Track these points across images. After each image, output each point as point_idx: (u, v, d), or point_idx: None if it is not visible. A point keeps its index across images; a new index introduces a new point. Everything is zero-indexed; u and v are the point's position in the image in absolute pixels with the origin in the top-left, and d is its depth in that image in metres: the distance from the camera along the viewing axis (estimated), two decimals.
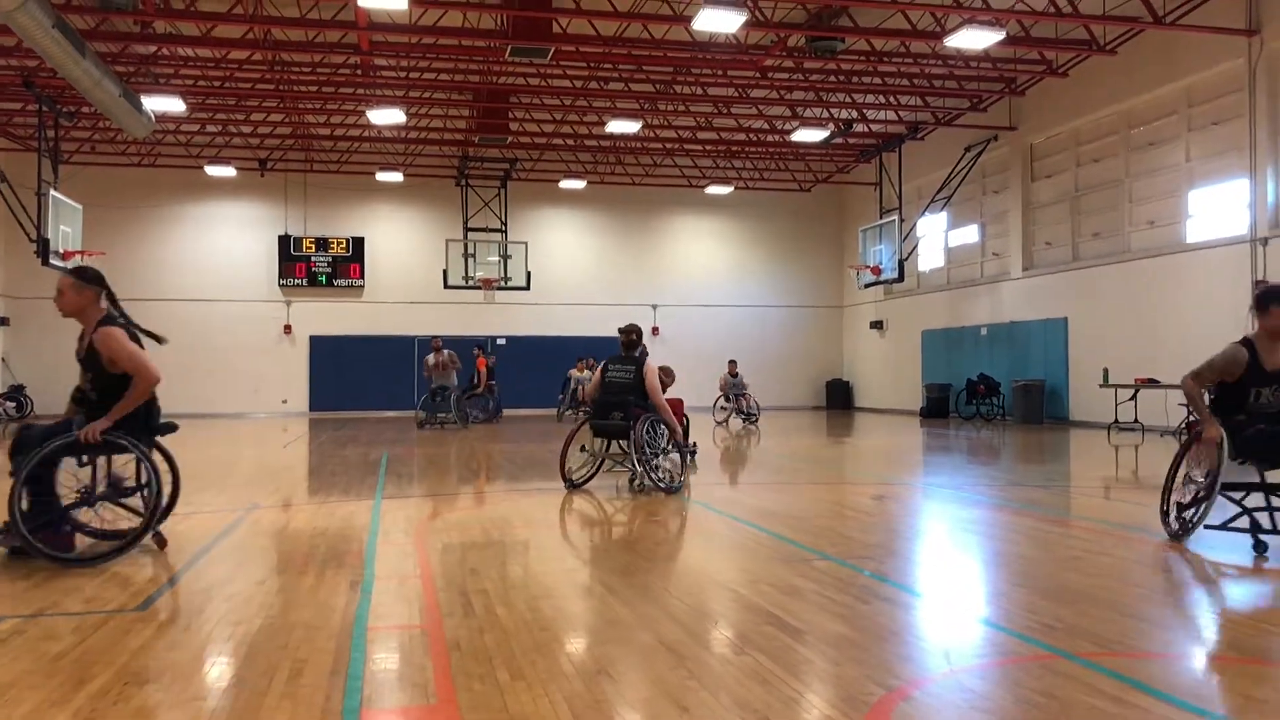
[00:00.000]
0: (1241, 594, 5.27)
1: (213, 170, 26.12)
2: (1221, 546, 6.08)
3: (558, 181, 28.27)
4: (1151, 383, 17.04)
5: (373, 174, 27.13)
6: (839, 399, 30.32)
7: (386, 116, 21.41)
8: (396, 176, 27.01)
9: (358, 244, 28.43)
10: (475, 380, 22.31)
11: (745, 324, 30.26)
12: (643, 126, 23.48)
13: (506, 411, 25.05)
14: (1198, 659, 4.08)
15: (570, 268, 29.51)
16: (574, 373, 24.41)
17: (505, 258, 26.32)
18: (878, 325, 28.97)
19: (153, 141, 24.74)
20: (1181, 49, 17.47)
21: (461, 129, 25.14)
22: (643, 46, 18.88)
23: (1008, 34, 17.44)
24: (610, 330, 30.75)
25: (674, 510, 8.47)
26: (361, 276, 28.43)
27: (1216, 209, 17.58)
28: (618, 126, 22.52)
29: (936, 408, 24.08)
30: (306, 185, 28.23)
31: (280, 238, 28.13)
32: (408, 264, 28.44)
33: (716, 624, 4.48)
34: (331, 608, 4.73)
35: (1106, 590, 5.07)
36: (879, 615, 4.60)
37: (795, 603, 4.81)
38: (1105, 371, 18.42)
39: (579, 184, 28.22)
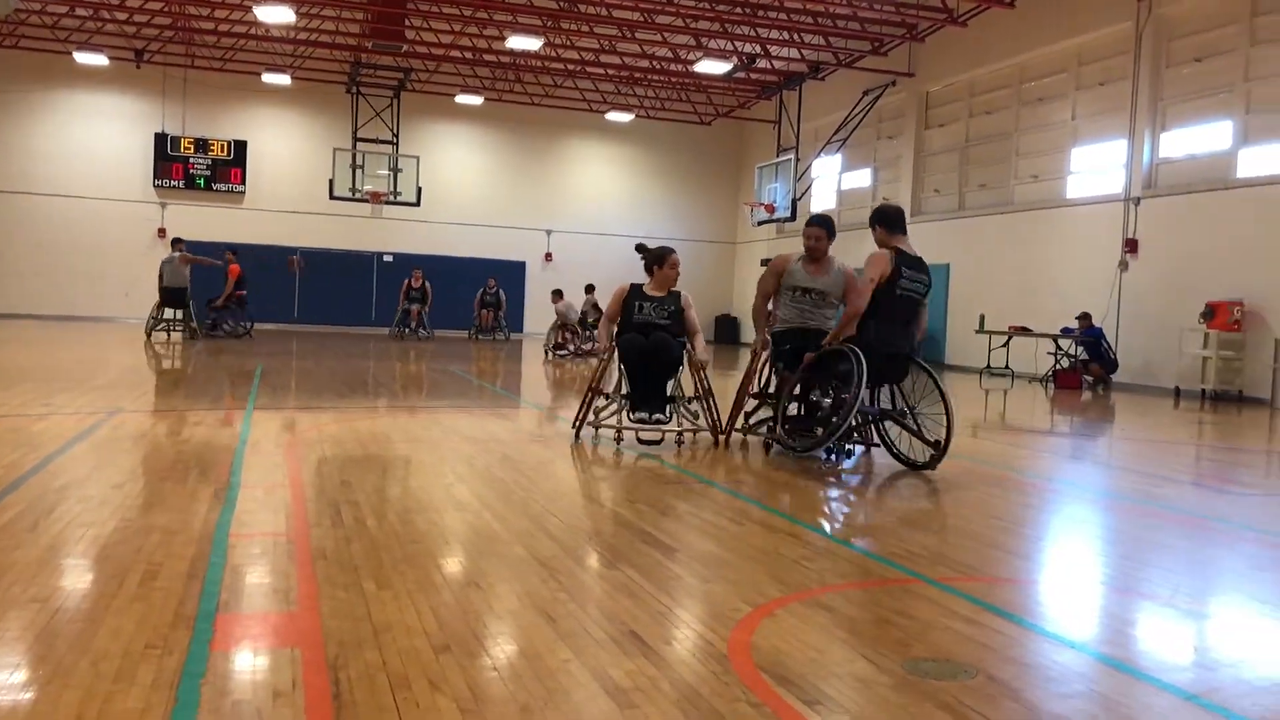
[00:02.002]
0: (1088, 528, 5.54)
1: (83, 57, 24.48)
2: (1080, 485, 6.36)
3: (454, 96, 27.48)
4: (1024, 330, 17.70)
5: (258, 75, 25.87)
6: (727, 334, 30.68)
7: (275, 14, 20.34)
8: (284, 79, 25.82)
9: (240, 148, 27.20)
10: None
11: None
12: (544, 45, 22.93)
13: (382, 330, 24.60)
14: (1047, 584, 4.27)
15: (463, 186, 28.87)
16: (560, 305, 21.69)
17: (395, 171, 25.53)
18: (769, 263, 29.26)
19: (14, 21, 23.01)
20: (1076, 7, 17.86)
21: (355, 34, 24.10)
22: None
23: None
24: (505, 251, 30.34)
25: (555, 433, 8.44)
26: (243, 182, 27.26)
27: (1096, 167, 18.20)
28: (518, 43, 21.93)
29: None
30: (186, 81, 26.75)
31: (156, 135, 26.70)
32: (292, 172, 27.37)
33: (591, 540, 4.48)
34: (192, 514, 4.55)
35: (968, 521, 5.26)
36: (752, 536, 4.67)
37: (670, 522, 4.85)
38: (981, 318, 19.04)
39: (476, 100, 27.49)
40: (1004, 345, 18.20)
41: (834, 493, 6.24)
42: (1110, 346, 16.40)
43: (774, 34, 22.56)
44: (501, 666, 2.86)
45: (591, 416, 7.60)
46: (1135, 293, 16.69)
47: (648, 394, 7.38)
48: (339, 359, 16.46)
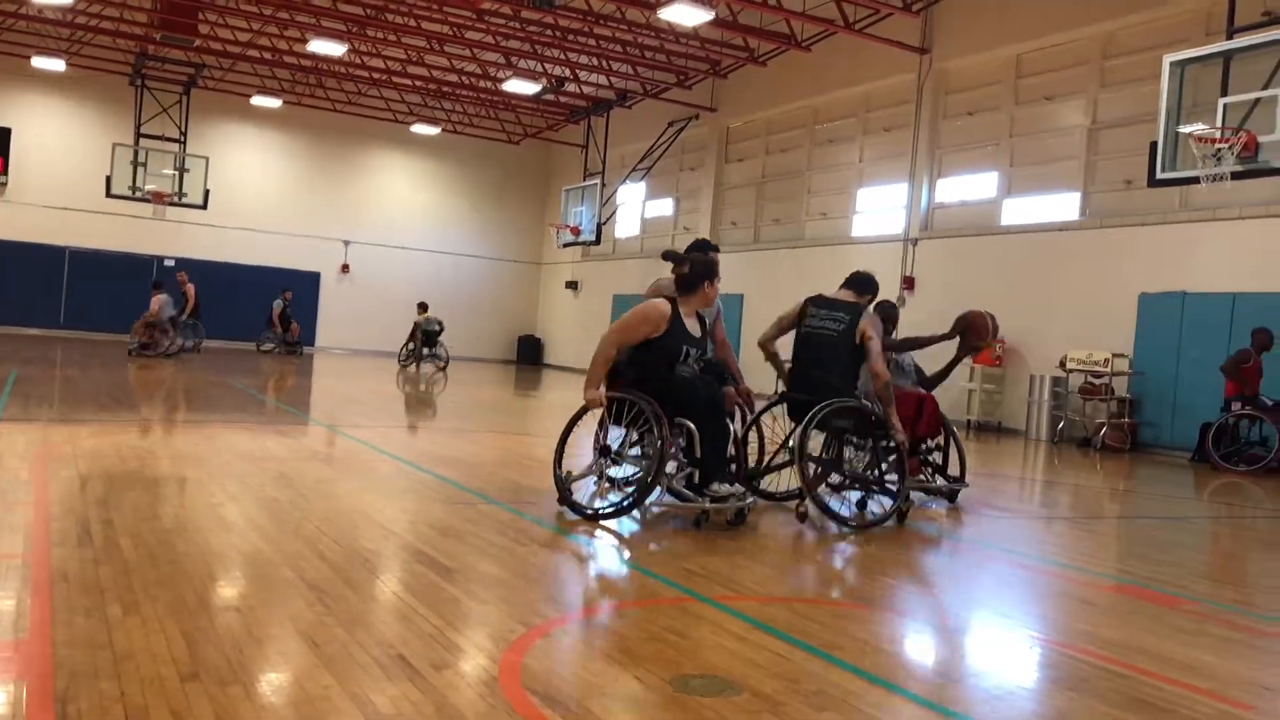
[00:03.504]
0: (854, 551, 5.82)
1: None
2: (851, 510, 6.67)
3: (250, 97, 26.24)
4: None
5: (28, 58, 23.85)
6: (529, 354, 30.60)
7: None
8: (58, 65, 23.90)
9: (3, 135, 24.95)
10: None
11: (442, 270, 29.71)
12: (349, 51, 22.28)
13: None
14: (814, 603, 4.44)
15: (257, 191, 27.57)
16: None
17: (182, 171, 24.01)
18: (573, 285, 29.45)
19: None
20: (866, 56, 18.97)
21: (142, 23, 22.63)
22: None
23: (717, 16, 18.15)
24: (298, 261, 29.13)
25: (341, 451, 8.14)
26: (5, 173, 25.00)
27: (879, 208, 19.35)
28: (321, 47, 21.19)
29: (619, 368, 24.87)
30: None
31: None
32: (64, 165, 25.34)
33: (365, 562, 4.31)
34: None
35: (748, 543, 5.41)
36: (533, 557, 4.63)
37: (451, 543, 4.74)
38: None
39: (274, 102, 26.34)
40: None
41: (625, 518, 6.28)
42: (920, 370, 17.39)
43: (583, 59, 22.81)
44: (255, 694, 2.70)
45: (590, 487, 5.92)
46: (911, 328, 17.74)
47: (726, 456, 5.71)
48: (107, 368, 15.31)
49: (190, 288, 20.98)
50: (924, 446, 7.28)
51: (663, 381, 5.60)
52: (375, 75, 25.15)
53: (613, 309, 27.04)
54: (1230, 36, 11.33)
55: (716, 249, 6.64)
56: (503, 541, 4.87)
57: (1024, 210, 16.53)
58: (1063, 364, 14.40)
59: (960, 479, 7.37)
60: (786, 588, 4.60)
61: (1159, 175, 11.49)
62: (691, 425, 5.52)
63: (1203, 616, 4.44)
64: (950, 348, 7.72)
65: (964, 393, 16.15)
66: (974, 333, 7.54)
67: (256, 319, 24.39)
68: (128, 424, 8.70)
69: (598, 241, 24.49)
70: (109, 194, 23.24)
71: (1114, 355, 13.88)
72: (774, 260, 21.38)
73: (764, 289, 21.47)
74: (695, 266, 5.86)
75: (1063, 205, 15.87)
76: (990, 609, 4.50)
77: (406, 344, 22.96)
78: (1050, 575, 5.34)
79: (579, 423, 6.03)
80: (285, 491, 5.82)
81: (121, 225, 25.54)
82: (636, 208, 26.95)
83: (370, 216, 28.95)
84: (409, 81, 25.51)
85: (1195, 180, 11.03)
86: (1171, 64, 11.38)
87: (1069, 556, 5.86)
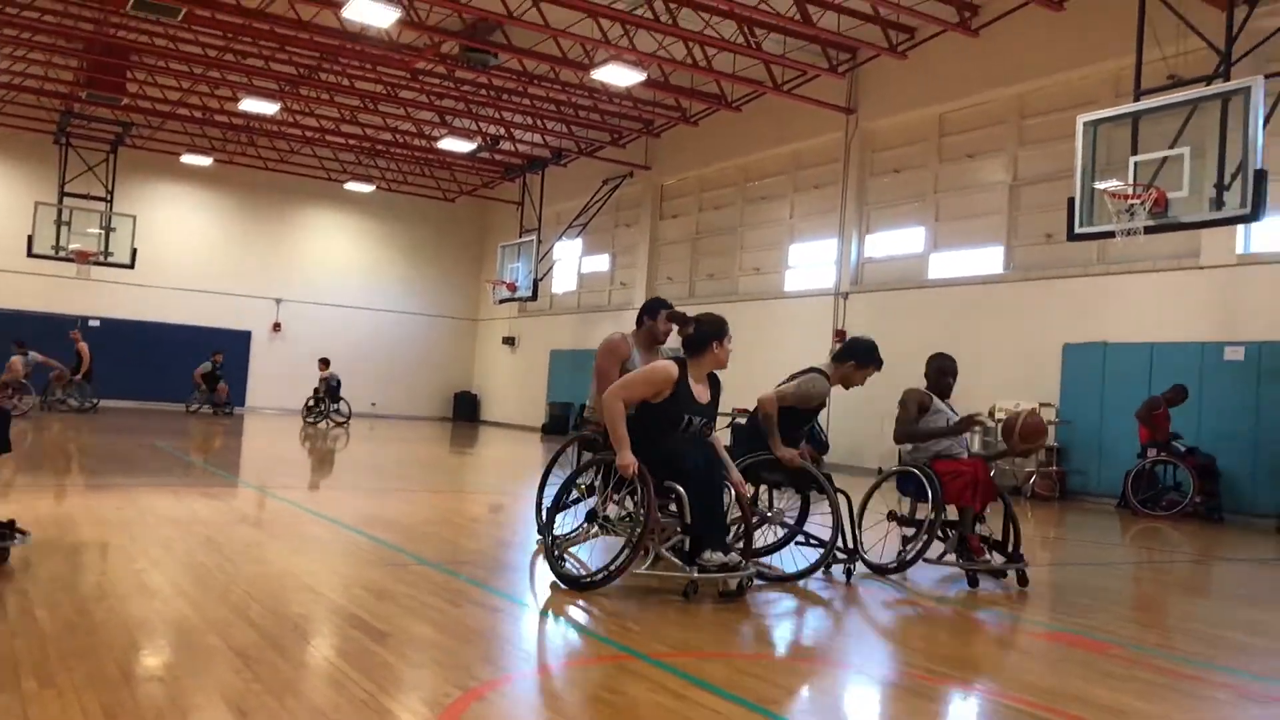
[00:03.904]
0: (793, 605, 5.84)
1: None
2: (786, 562, 6.71)
3: (180, 155, 25.95)
4: (746, 413, 18.66)
5: None
6: (466, 411, 30.35)
7: None
8: None
9: None
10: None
11: (378, 328, 29.44)
12: (281, 109, 22.21)
13: (101, 402, 22.49)
14: (752, 658, 4.44)
15: (186, 249, 27.13)
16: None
17: (108, 230, 23.56)
18: (510, 341, 29.38)
19: None
20: (794, 116, 19.43)
21: (68, 81, 22.34)
22: (288, 25, 17.86)
23: (649, 77, 18.50)
24: (229, 320, 28.61)
25: (271, 513, 7.97)
26: None
27: (811, 263, 19.70)
28: (253, 105, 21.10)
29: (557, 424, 24.80)
30: None
31: None
32: None
33: (295, 627, 4.21)
34: None
35: (680, 597, 5.39)
36: (469, 618, 4.57)
37: (384, 606, 4.66)
38: None
39: (204, 161, 26.07)
40: (729, 426, 19.05)
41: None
42: (822, 429, 17.57)
43: (518, 118, 23.02)
44: None
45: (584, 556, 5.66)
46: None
47: (719, 525, 5.37)
48: (27, 431, 14.84)
49: (84, 346, 20.97)
50: (980, 521, 6.54)
51: (651, 444, 5.27)
52: (308, 133, 25.07)
53: (550, 364, 27.02)
54: (1138, 98, 11.85)
55: (670, 305, 6.69)
56: (437, 603, 4.80)
57: (951, 264, 16.95)
58: (991, 414, 14.67)
59: (1017, 554, 6.41)
60: (725, 643, 4.59)
61: (1077, 229, 11.89)
62: (681, 490, 5.20)
63: (1130, 661, 4.53)
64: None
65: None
66: (1025, 437, 6.51)
67: (186, 379, 23.88)
68: (46, 488, 8.42)
69: (534, 297, 24.51)
70: (30, 253, 22.69)
71: (1041, 404, 14.20)
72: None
73: None
74: (702, 327, 5.60)
75: (988, 259, 16.32)
76: (929, 658, 4.54)
77: (308, 401, 23.10)
78: (986, 624, 5.41)
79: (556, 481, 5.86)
80: (212, 556, 5.68)
81: (44, 285, 24.89)
82: (573, 263, 27.08)
83: (303, 274, 28.66)
84: (343, 139, 25.47)
85: (1111, 234, 11.44)
86: (1085, 124, 11.85)
87: (1002, 605, 5.95)
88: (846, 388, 6.77)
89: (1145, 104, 11.71)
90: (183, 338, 25.63)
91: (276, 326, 28.05)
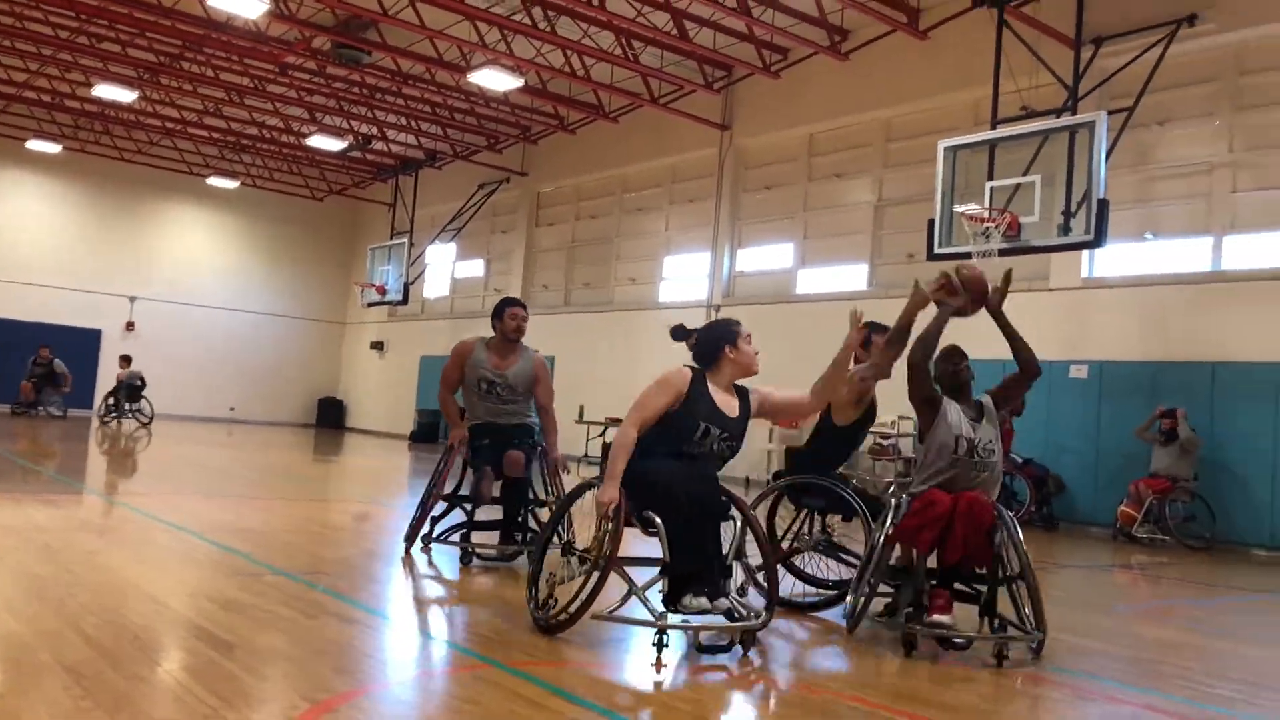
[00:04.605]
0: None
1: None
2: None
3: (25, 141, 24.49)
4: (618, 421, 18.71)
5: None
6: (331, 418, 29.50)
7: None
8: None
9: None
10: None
11: (239, 329, 28.36)
12: (139, 98, 21.23)
13: None
14: (614, 667, 4.44)
15: (31, 241, 25.59)
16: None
17: None
18: (379, 346, 28.75)
19: None
20: (671, 130, 19.65)
21: None
22: (148, 10, 17.08)
23: (527, 83, 18.43)
24: (77, 318, 27.17)
25: (116, 521, 7.57)
26: None
27: (685, 275, 19.95)
28: (108, 92, 20.10)
29: (426, 432, 24.38)
30: None
31: None
32: None
33: (134, 640, 4.00)
34: None
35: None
36: (323, 629, 4.43)
37: (233, 617, 4.47)
38: (581, 409, 19.92)
39: (53, 148, 24.65)
40: (600, 435, 19.13)
41: (420, 583, 6.11)
42: None
43: (392, 118, 22.59)
44: None
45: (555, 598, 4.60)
46: None
47: (701, 567, 4.39)
48: None
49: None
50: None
51: (637, 464, 4.49)
52: (168, 124, 24.02)
53: (420, 371, 26.55)
54: (994, 127, 12.45)
55: (519, 303, 6.71)
56: (290, 614, 4.64)
57: (818, 280, 17.42)
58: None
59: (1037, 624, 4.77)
60: (589, 652, 4.57)
61: (936, 250, 12.41)
62: (659, 521, 4.36)
63: (967, 664, 4.71)
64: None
65: (763, 455, 16.70)
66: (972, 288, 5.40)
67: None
68: None
69: (405, 302, 24.07)
70: None
71: (900, 417, 14.72)
72: (584, 323, 21.60)
73: (575, 351, 21.63)
74: (702, 336, 4.84)
75: (852, 276, 16.83)
76: (784, 665, 4.62)
77: (107, 399, 22.19)
78: (840, 632, 5.54)
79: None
80: (48, 566, 5.35)
81: None
82: (446, 268, 26.69)
83: (160, 272, 27.38)
84: (205, 132, 24.49)
85: (968, 255, 11.96)
86: (945, 149, 12.39)
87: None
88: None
89: (1001, 133, 12.31)
90: (26, 335, 24.14)
91: (130, 325, 26.74)
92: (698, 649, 4.41)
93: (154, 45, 19.06)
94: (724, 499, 4.59)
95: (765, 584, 4.79)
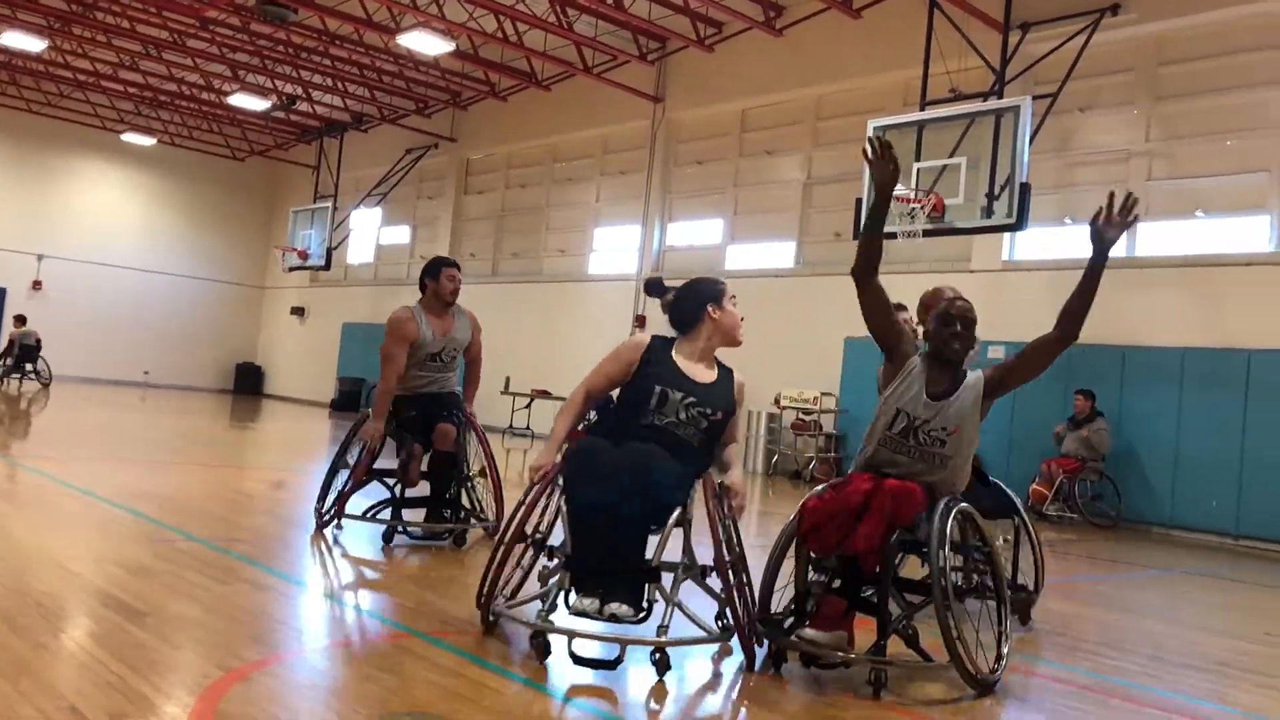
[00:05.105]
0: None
1: None
2: None
3: None
4: (545, 394, 18.68)
5: None
6: (248, 383, 28.86)
7: None
8: None
9: None
10: None
11: (154, 291, 27.49)
12: (50, 48, 20.35)
13: None
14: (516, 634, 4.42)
15: None
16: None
17: None
18: (299, 311, 28.15)
19: None
20: (603, 100, 19.51)
21: None
22: None
23: (458, 48, 18.11)
24: None
25: (22, 486, 7.31)
26: None
27: (614, 248, 19.89)
28: (16, 41, 19.21)
29: (347, 400, 24.00)
30: None
31: None
32: None
33: (38, 606, 3.87)
34: None
35: (464, 576, 5.32)
36: (237, 596, 4.34)
37: (144, 584, 4.35)
38: (507, 380, 19.80)
39: None
40: (526, 407, 19.04)
41: (338, 551, 6.02)
42: None
43: (318, 79, 22.03)
44: None
45: (509, 591, 3.99)
46: None
47: (604, 561, 3.67)
48: None
49: None
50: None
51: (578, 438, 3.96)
52: (81, 77, 23.09)
53: (342, 337, 26.10)
54: (923, 108, 12.61)
55: (453, 263, 6.31)
56: (203, 581, 4.53)
57: (746, 256, 17.51)
58: (777, 401, 15.32)
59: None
60: (509, 623, 4.55)
61: (863, 229, 12.54)
62: (563, 505, 3.79)
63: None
64: None
65: None
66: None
67: None
68: None
69: (327, 267, 23.57)
70: None
71: (822, 394, 14.93)
72: (513, 294, 21.42)
73: (502, 322, 21.39)
74: (682, 292, 4.24)
75: (780, 253, 16.96)
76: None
77: (3, 358, 21.34)
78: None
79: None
80: None
81: None
82: (371, 234, 26.19)
83: (70, 229, 26.38)
84: (120, 87, 23.59)
85: (894, 236, 12.13)
86: (874, 128, 12.50)
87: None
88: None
89: (929, 114, 12.47)
90: None
91: (37, 284, 25.76)
92: (573, 660, 3.60)
93: None
94: (671, 486, 3.75)
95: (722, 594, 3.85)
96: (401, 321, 6.07)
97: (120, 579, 4.40)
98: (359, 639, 4.06)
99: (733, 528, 3.95)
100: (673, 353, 4.11)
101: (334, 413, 23.22)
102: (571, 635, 3.64)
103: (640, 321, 18.47)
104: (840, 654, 3.73)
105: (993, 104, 11.97)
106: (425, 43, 16.90)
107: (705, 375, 4.08)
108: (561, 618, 3.64)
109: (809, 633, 3.72)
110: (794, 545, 3.97)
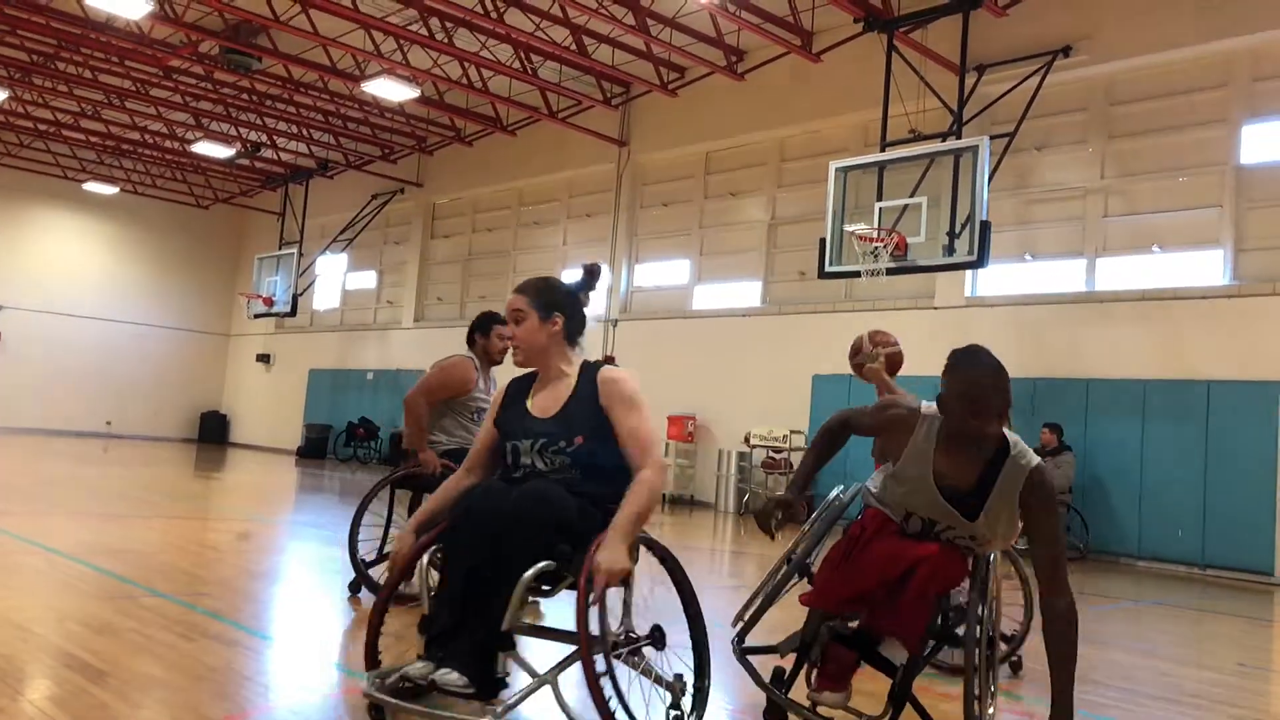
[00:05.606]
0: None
1: None
2: None
3: None
4: None
5: None
6: (213, 432, 28.51)
7: None
8: None
9: None
10: None
11: (117, 341, 27.19)
12: (10, 98, 20.24)
13: None
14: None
15: None
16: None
17: None
18: (265, 359, 27.93)
19: None
20: (569, 145, 19.66)
21: None
22: (21, 7, 16.32)
23: (423, 94, 18.22)
24: None
25: None
26: None
27: None
28: None
29: (314, 448, 23.77)
30: None
31: None
32: None
33: None
34: None
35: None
36: (202, 653, 4.25)
37: (106, 642, 4.25)
38: None
39: None
40: None
41: (305, 605, 5.94)
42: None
43: (282, 126, 22.04)
44: None
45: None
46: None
47: (456, 615, 3.12)
48: None
49: None
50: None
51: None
52: (42, 127, 22.97)
53: (308, 384, 25.89)
54: (883, 149, 12.82)
55: (503, 320, 5.53)
56: (168, 638, 4.44)
57: (713, 296, 17.62)
58: (747, 439, 15.35)
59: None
60: None
61: (827, 268, 12.69)
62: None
63: None
64: None
65: None
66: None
67: None
68: None
69: (293, 313, 23.46)
70: None
71: (792, 431, 14.98)
72: None
73: None
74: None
75: (746, 293, 17.08)
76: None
77: None
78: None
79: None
80: None
81: None
82: (337, 279, 26.12)
83: (30, 280, 26.07)
84: (82, 136, 23.49)
85: (857, 274, 12.27)
86: (836, 169, 12.69)
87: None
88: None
89: (890, 155, 12.68)
90: None
91: None
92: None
93: (25, 44, 18.23)
94: (547, 533, 3.08)
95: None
96: (464, 367, 5.68)
97: (82, 637, 4.31)
98: (326, 694, 3.99)
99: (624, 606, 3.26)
100: (530, 390, 3.57)
101: (300, 460, 22.99)
102: (384, 705, 3.07)
103: (609, 361, 18.44)
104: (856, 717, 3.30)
105: (952, 144, 12.20)
106: (390, 89, 16.99)
107: (554, 402, 3.48)
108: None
109: (826, 696, 3.28)
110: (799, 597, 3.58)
